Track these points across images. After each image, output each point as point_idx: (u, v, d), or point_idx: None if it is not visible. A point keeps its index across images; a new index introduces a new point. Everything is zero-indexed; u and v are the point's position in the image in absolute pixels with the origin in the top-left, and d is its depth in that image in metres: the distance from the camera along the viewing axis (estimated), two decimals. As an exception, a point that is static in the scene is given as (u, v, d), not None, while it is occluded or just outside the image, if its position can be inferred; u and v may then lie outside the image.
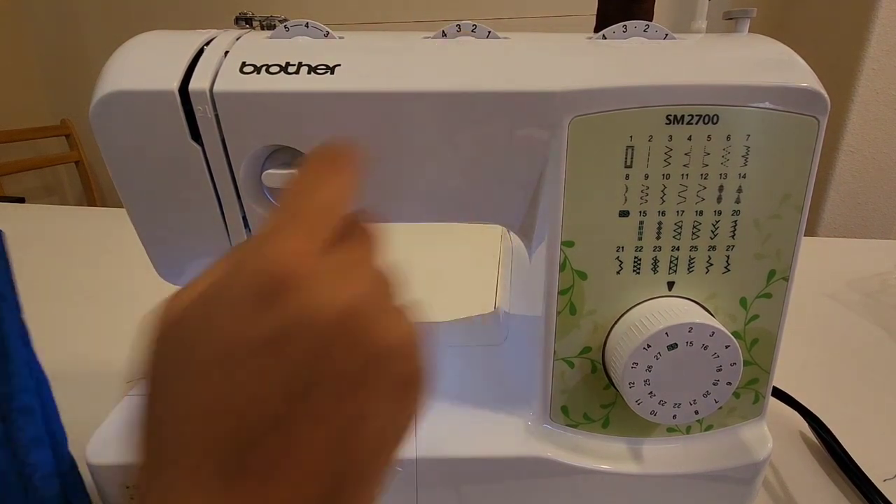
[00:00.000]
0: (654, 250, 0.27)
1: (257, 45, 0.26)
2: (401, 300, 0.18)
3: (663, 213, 0.26)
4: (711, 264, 0.27)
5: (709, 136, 0.25)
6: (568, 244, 0.26)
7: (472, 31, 0.27)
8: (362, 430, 0.15)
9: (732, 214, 0.26)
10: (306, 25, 0.26)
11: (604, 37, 0.28)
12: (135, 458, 0.15)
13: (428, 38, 0.27)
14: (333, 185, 0.18)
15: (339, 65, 0.25)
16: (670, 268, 0.27)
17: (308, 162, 0.19)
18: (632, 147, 0.25)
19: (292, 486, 0.14)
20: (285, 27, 0.27)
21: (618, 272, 0.27)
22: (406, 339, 0.17)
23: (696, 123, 0.25)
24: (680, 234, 0.26)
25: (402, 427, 0.17)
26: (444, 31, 0.27)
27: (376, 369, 0.16)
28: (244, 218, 0.27)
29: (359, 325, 0.15)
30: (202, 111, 0.24)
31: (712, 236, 0.26)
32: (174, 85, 0.24)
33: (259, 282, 0.15)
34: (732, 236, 0.26)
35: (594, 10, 0.34)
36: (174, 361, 0.15)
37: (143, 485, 0.14)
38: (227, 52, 0.25)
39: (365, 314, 0.16)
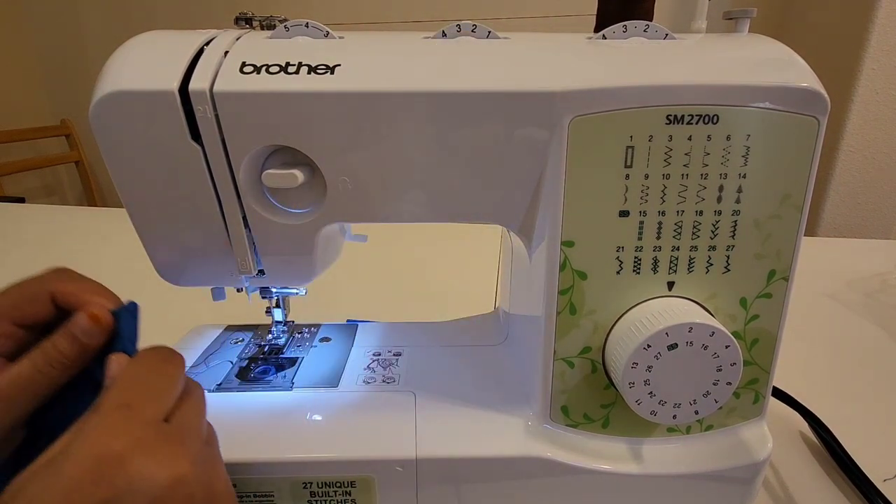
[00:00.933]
0: (654, 250, 0.27)
1: (257, 45, 0.26)
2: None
3: (663, 213, 0.26)
4: (711, 264, 0.27)
5: (709, 136, 0.25)
6: (568, 244, 0.26)
7: (472, 31, 0.27)
8: None
9: (732, 214, 0.26)
10: (306, 25, 0.26)
11: (604, 37, 0.28)
12: None
13: (428, 38, 0.27)
14: (168, 375, 0.23)
15: (339, 65, 0.25)
16: (670, 268, 0.27)
17: (143, 354, 0.24)
18: (632, 147, 0.25)
19: None
20: (285, 27, 0.27)
21: (618, 272, 0.27)
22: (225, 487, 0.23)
23: (696, 123, 0.25)
24: (680, 234, 0.26)
25: None
26: (444, 31, 0.27)
27: None
28: (244, 218, 0.27)
29: (180, 492, 0.20)
30: (202, 111, 0.24)
31: (712, 236, 0.26)
32: (174, 85, 0.24)
33: (84, 469, 0.19)
34: (732, 236, 0.26)
35: (594, 10, 0.34)
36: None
37: None
38: (227, 52, 0.25)
39: (186, 482, 0.20)
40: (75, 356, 0.26)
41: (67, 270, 0.28)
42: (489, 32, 0.27)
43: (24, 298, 0.27)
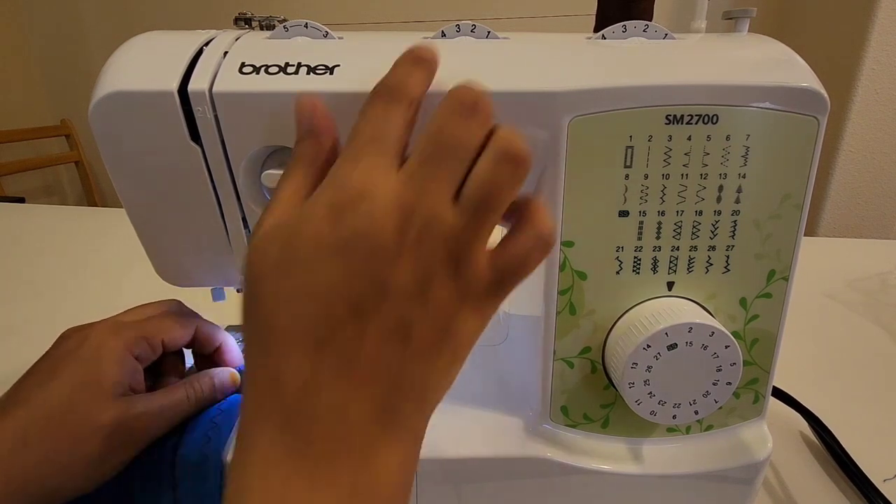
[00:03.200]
0: (653, 250, 0.27)
1: (256, 46, 0.26)
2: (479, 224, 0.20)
3: (663, 213, 0.26)
4: (711, 264, 0.27)
5: (708, 136, 0.25)
6: (568, 244, 0.26)
7: (472, 31, 0.27)
8: (414, 339, 0.19)
9: (732, 214, 0.26)
10: (305, 26, 0.26)
11: (603, 37, 0.28)
12: (243, 325, 0.19)
13: (427, 38, 0.27)
14: (399, 112, 0.21)
15: (338, 65, 0.25)
16: (670, 268, 0.27)
17: (374, 92, 0.21)
18: (631, 147, 0.25)
19: (366, 367, 0.18)
20: (284, 27, 0.27)
21: (617, 272, 0.27)
22: (476, 247, 0.20)
23: (696, 123, 0.25)
24: (680, 234, 0.26)
25: (455, 345, 0.20)
26: (443, 32, 0.27)
27: (431, 280, 0.19)
28: (243, 218, 0.27)
29: (418, 238, 0.18)
30: (201, 111, 0.24)
31: (712, 236, 0.26)
32: (174, 85, 0.24)
33: (339, 195, 0.18)
34: (732, 236, 0.26)
35: (594, 10, 0.34)
36: (271, 264, 0.18)
37: (251, 362, 0.19)
38: (226, 53, 0.25)
39: (428, 220, 0.18)
40: (207, 401, 0.30)
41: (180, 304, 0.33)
42: (489, 32, 0.27)
43: (176, 324, 0.30)
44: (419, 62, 0.22)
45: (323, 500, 0.17)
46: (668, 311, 0.26)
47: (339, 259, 0.18)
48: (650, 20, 0.28)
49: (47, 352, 0.28)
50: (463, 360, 0.21)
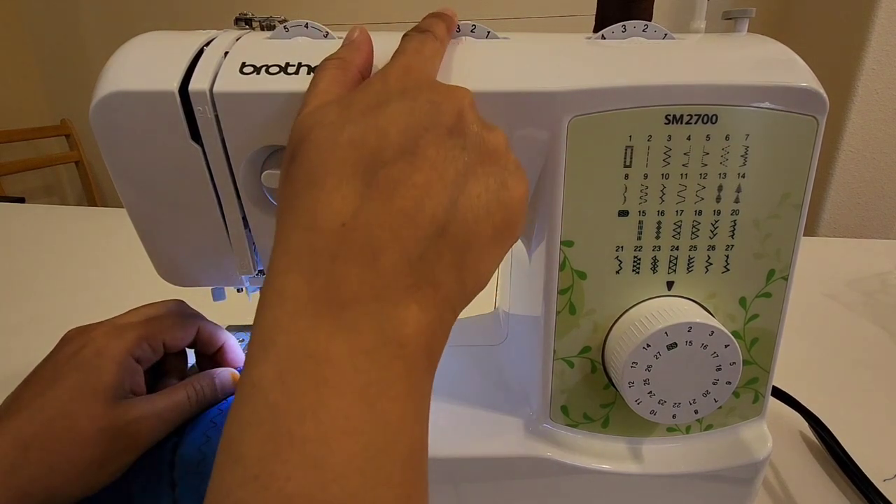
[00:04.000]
0: (653, 250, 0.27)
1: (257, 46, 0.26)
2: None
3: (662, 213, 0.26)
4: (711, 264, 0.27)
5: (708, 136, 0.25)
6: (567, 244, 0.26)
7: (472, 31, 0.27)
8: (462, 192, 0.19)
9: (732, 214, 0.26)
10: (306, 26, 0.26)
11: (603, 37, 0.28)
12: (281, 186, 0.19)
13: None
14: (432, 42, 0.24)
15: (338, 65, 0.25)
16: (670, 267, 0.27)
17: (408, 34, 0.24)
18: (631, 147, 0.25)
19: (410, 203, 0.18)
20: (285, 28, 0.27)
21: (617, 272, 0.27)
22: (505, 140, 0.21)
23: (696, 123, 0.25)
24: (679, 233, 0.26)
25: (495, 217, 0.20)
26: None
27: (470, 145, 0.19)
28: (244, 218, 0.27)
29: (465, 100, 0.20)
30: (202, 111, 0.24)
31: (711, 236, 0.26)
32: (174, 85, 0.24)
33: (387, 72, 0.21)
34: (732, 236, 0.26)
35: (594, 10, 0.34)
36: (329, 121, 0.19)
37: (285, 204, 0.19)
38: (226, 53, 0.25)
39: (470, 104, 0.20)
40: (209, 401, 0.30)
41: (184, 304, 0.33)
42: (489, 32, 0.27)
43: (177, 325, 0.31)
44: (442, 16, 0.26)
45: (346, 343, 0.16)
46: (667, 311, 0.26)
47: (400, 103, 0.19)
48: (650, 20, 0.28)
49: (49, 355, 0.28)
50: (508, 243, 0.21)
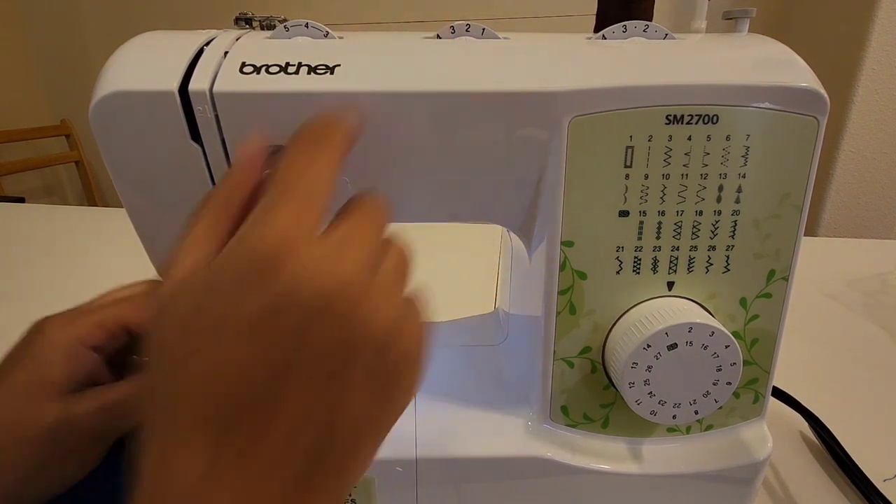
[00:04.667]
0: (653, 250, 0.27)
1: (257, 46, 0.26)
2: (402, 281, 0.18)
3: (663, 213, 0.26)
4: (711, 264, 0.27)
5: (708, 136, 0.25)
6: (568, 244, 0.26)
7: (467, 30, 0.27)
8: (339, 413, 0.17)
9: (732, 214, 0.26)
10: (306, 26, 0.26)
11: (603, 37, 0.28)
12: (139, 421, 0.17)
13: (427, 38, 0.27)
14: (324, 161, 0.19)
15: (338, 65, 0.25)
16: (670, 268, 0.27)
17: (296, 138, 0.19)
18: (631, 147, 0.25)
19: (275, 449, 0.16)
20: (285, 27, 0.27)
21: (617, 272, 0.27)
22: (394, 324, 0.17)
23: (696, 123, 0.25)
24: (680, 233, 0.26)
25: (382, 418, 0.18)
26: (438, 35, 0.27)
27: (353, 359, 0.17)
28: (244, 218, 0.27)
29: (343, 307, 0.16)
30: (202, 111, 0.24)
31: (712, 236, 0.26)
32: (174, 85, 0.24)
33: (250, 260, 0.16)
34: (732, 236, 0.26)
35: (594, 10, 0.34)
36: (174, 332, 0.16)
37: (146, 440, 0.16)
38: (226, 53, 0.25)
39: (351, 296, 0.16)
40: None
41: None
42: (483, 30, 0.27)
43: (141, 306, 0.28)
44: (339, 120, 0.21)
45: None
46: (668, 311, 0.26)
47: (250, 337, 0.16)
48: (650, 20, 0.28)
49: (11, 347, 0.26)
50: (379, 443, 0.18)
